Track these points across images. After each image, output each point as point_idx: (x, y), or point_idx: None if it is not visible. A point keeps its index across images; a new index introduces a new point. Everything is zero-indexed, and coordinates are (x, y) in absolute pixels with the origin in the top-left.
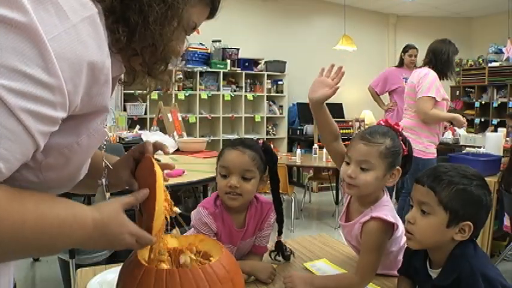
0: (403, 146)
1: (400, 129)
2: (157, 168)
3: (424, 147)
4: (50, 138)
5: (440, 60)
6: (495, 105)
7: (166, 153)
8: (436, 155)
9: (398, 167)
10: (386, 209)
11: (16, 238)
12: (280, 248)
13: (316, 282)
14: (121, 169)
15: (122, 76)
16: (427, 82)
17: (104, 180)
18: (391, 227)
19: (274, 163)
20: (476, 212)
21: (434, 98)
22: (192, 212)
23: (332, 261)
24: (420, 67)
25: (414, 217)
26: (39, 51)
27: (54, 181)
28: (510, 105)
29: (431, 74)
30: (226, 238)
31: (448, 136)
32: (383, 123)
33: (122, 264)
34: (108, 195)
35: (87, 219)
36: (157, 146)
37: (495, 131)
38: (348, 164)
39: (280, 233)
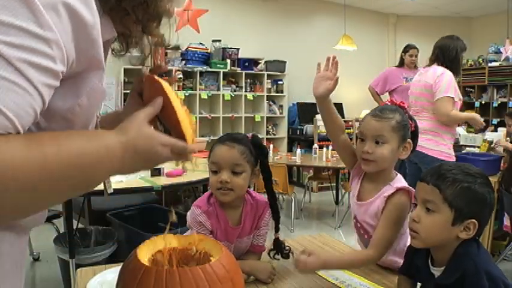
0: (410, 122)
1: (406, 106)
2: (160, 79)
3: (448, 148)
4: (51, 102)
5: (448, 57)
6: (495, 105)
7: (165, 69)
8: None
9: (409, 140)
10: (406, 184)
11: (45, 179)
12: (278, 246)
13: (329, 259)
14: (131, 109)
15: (117, 46)
16: (444, 82)
17: None
18: (410, 203)
19: (264, 156)
20: (480, 210)
21: (453, 98)
22: (187, 213)
23: None
24: (428, 65)
25: (419, 215)
26: (27, 6)
27: None
28: (510, 105)
29: (447, 74)
30: (222, 236)
31: None
32: (389, 103)
33: (121, 264)
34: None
35: (114, 144)
36: (156, 69)
37: (495, 130)
38: (362, 141)
39: (277, 230)
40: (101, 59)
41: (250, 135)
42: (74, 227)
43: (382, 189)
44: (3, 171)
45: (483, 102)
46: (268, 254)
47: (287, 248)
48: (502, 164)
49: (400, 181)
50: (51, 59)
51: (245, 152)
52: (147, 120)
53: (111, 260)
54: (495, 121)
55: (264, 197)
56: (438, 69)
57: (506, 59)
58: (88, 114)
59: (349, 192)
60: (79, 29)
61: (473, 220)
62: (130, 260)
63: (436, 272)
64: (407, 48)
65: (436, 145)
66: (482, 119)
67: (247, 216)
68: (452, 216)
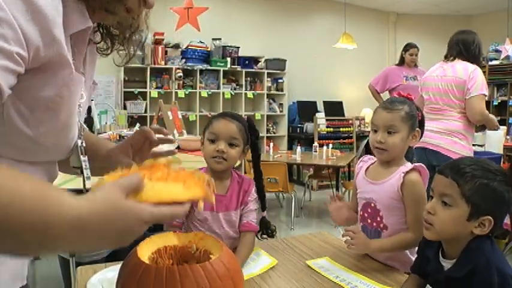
0: (417, 112)
1: (413, 99)
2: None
3: (471, 152)
4: (33, 92)
5: (472, 52)
6: (495, 103)
7: (166, 134)
8: None
9: (417, 129)
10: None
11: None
12: (264, 225)
13: (372, 245)
14: (120, 155)
15: (101, 45)
16: (479, 79)
17: (79, 141)
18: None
19: (256, 137)
20: (497, 208)
21: (486, 95)
22: None
23: (334, 259)
24: (450, 60)
25: (434, 208)
26: None
27: (48, 137)
28: (510, 104)
29: (479, 70)
30: (207, 205)
31: None
32: (397, 96)
33: (122, 262)
34: (83, 157)
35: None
36: (156, 131)
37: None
38: (375, 132)
39: (263, 209)
40: (67, 57)
41: (245, 116)
42: None
43: (397, 170)
44: None
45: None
46: (256, 235)
47: (273, 227)
48: (501, 163)
49: (411, 164)
50: (3, 38)
51: (241, 129)
52: (126, 192)
53: (111, 258)
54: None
55: (249, 177)
56: (469, 65)
57: (507, 57)
58: (70, 103)
59: (356, 174)
60: (34, 12)
61: (489, 217)
62: (130, 258)
63: (446, 264)
64: (407, 47)
65: (461, 148)
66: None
67: (234, 189)
68: (469, 212)
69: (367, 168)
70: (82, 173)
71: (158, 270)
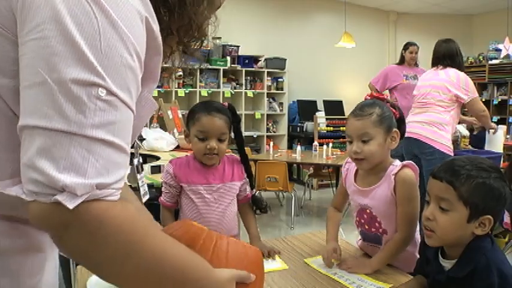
0: (393, 110)
1: (385, 97)
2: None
3: (450, 143)
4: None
5: (457, 62)
6: (495, 102)
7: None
8: None
9: (395, 129)
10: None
11: (153, 267)
12: (256, 201)
13: (374, 264)
14: None
15: None
16: (471, 83)
17: (135, 160)
18: (416, 178)
19: (238, 122)
20: (495, 205)
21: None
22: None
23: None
24: (436, 68)
25: (433, 213)
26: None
27: None
28: (510, 103)
29: (468, 78)
30: (201, 178)
31: None
32: (369, 97)
33: None
34: (139, 175)
35: (210, 272)
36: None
37: None
38: (350, 142)
39: (252, 187)
40: (158, 72)
41: (226, 104)
42: None
43: (385, 174)
44: (135, 244)
45: (483, 99)
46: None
47: (264, 202)
48: (502, 162)
49: (398, 162)
50: (137, 77)
51: (227, 121)
52: (237, 280)
53: None
54: (495, 118)
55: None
56: (461, 73)
57: (507, 56)
58: (137, 124)
59: (344, 176)
60: (149, 37)
61: (489, 216)
62: (187, 227)
63: (446, 264)
64: (407, 46)
65: (440, 137)
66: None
67: (225, 163)
68: (468, 214)
69: (356, 172)
70: (138, 189)
71: (209, 234)
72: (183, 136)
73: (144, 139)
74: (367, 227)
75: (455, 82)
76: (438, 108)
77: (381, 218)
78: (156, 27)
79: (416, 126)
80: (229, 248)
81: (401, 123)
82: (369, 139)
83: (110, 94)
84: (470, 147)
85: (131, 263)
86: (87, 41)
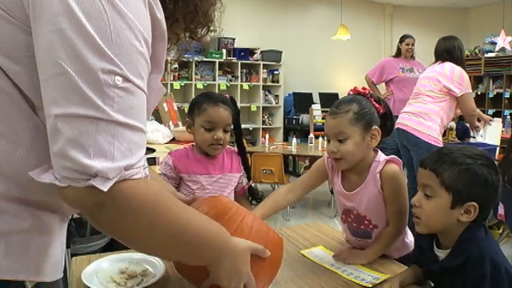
0: (376, 105)
1: (367, 92)
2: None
3: (438, 134)
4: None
5: (456, 57)
6: (491, 95)
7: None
8: None
9: (375, 127)
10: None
11: (179, 234)
12: (252, 192)
13: (368, 255)
14: (182, 197)
15: None
16: (466, 79)
17: None
18: (401, 171)
19: (238, 114)
20: (481, 192)
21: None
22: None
23: (328, 248)
24: (435, 63)
25: (419, 200)
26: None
27: None
28: (506, 96)
29: (465, 72)
30: (201, 168)
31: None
32: (352, 92)
33: (117, 252)
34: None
35: (229, 239)
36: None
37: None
38: (329, 141)
39: (249, 179)
40: (163, 57)
41: (227, 96)
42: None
43: (369, 172)
44: (164, 213)
45: (479, 92)
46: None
47: (260, 193)
48: (497, 154)
49: (382, 155)
50: (147, 61)
51: (231, 112)
52: (252, 252)
53: (106, 249)
54: (491, 111)
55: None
56: (456, 67)
57: (503, 49)
58: (148, 107)
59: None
60: (153, 23)
61: (474, 203)
62: (215, 201)
63: (441, 254)
64: (403, 38)
65: (425, 128)
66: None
67: (224, 155)
68: (451, 200)
69: (342, 174)
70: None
71: (238, 210)
72: (178, 128)
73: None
74: (355, 225)
75: (449, 75)
76: (427, 98)
77: (369, 216)
78: (160, 13)
79: (405, 117)
80: (254, 224)
81: (387, 118)
82: (345, 138)
83: (126, 81)
84: (456, 139)
85: (157, 233)
86: (99, 32)
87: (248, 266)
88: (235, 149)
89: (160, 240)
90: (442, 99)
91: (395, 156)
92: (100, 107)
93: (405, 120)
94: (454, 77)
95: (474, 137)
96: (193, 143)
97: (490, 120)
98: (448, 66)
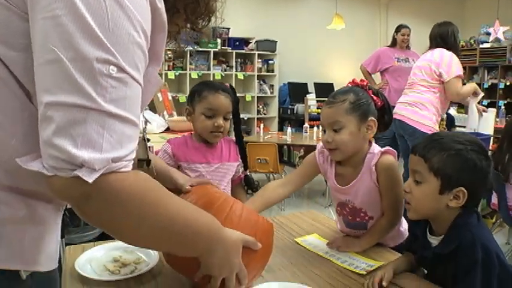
0: (374, 98)
1: (365, 84)
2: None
3: (433, 123)
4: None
5: (449, 42)
6: (486, 86)
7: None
8: None
9: (372, 118)
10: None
11: (168, 225)
12: (248, 181)
13: (362, 243)
14: (179, 176)
15: None
16: (455, 62)
17: (143, 134)
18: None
19: (237, 103)
20: (470, 177)
21: (461, 75)
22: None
23: (323, 236)
24: (428, 50)
25: (409, 186)
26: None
27: None
28: (500, 86)
29: (454, 56)
30: (200, 157)
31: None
32: (350, 84)
33: (110, 241)
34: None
35: (220, 230)
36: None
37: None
38: (324, 132)
39: (245, 168)
40: (162, 49)
41: (227, 84)
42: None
43: (364, 165)
44: (154, 205)
45: (474, 83)
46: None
47: (256, 182)
48: (491, 144)
49: (376, 147)
50: (145, 53)
51: (231, 100)
52: (244, 244)
53: (101, 238)
54: (485, 102)
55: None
56: (445, 51)
57: (497, 40)
58: (144, 98)
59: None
60: (154, 14)
61: (462, 188)
62: (205, 191)
63: (434, 241)
64: (399, 28)
65: (421, 117)
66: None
67: (222, 144)
68: (439, 185)
69: (336, 169)
70: (147, 162)
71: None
72: (173, 118)
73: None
74: (350, 217)
75: (438, 61)
76: (420, 87)
77: (365, 208)
78: (160, 3)
79: (400, 107)
80: (243, 213)
81: (385, 112)
82: (340, 128)
83: (120, 71)
84: (446, 129)
85: (147, 225)
86: (96, 20)
87: (239, 257)
88: (233, 138)
89: (150, 232)
90: (435, 87)
91: (390, 148)
92: (92, 96)
93: (401, 111)
94: (443, 63)
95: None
96: (192, 132)
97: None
98: (438, 52)
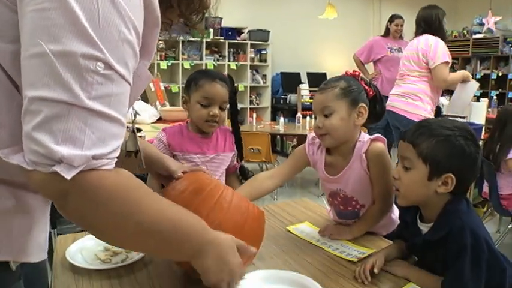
0: (366, 88)
1: (357, 74)
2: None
3: (428, 113)
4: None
5: (433, 27)
6: (478, 76)
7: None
8: None
9: (362, 104)
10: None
11: (152, 224)
12: (243, 171)
13: (354, 231)
14: (171, 163)
15: None
16: (440, 48)
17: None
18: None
19: (234, 93)
20: (458, 163)
21: (448, 61)
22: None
23: (314, 224)
24: (415, 37)
25: (398, 172)
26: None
27: None
28: (493, 77)
29: (440, 41)
30: (195, 147)
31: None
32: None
33: None
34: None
35: (207, 230)
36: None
37: (477, 101)
38: (315, 118)
39: (241, 159)
40: (154, 45)
41: (225, 73)
42: None
43: (354, 154)
44: (136, 204)
45: (467, 71)
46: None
47: (251, 172)
48: (483, 134)
49: (365, 135)
50: (135, 50)
51: (228, 90)
52: (237, 246)
53: None
54: (478, 92)
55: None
56: (431, 37)
57: (490, 31)
58: (133, 94)
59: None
60: (147, 10)
61: (450, 174)
62: (196, 178)
63: (424, 228)
64: (393, 18)
65: (415, 108)
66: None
67: (218, 134)
68: (428, 171)
69: (325, 159)
70: (137, 154)
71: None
72: (165, 108)
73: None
74: (342, 207)
75: (425, 48)
76: (412, 78)
77: (356, 196)
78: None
79: (394, 98)
80: (233, 199)
81: (376, 102)
82: (330, 112)
83: (108, 68)
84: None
85: (130, 224)
86: (87, 15)
87: (237, 255)
88: (230, 127)
89: (133, 231)
90: (426, 76)
91: (379, 135)
92: (75, 92)
93: (394, 102)
94: (429, 50)
95: (465, 117)
96: (187, 121)
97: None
98: (423, 39)
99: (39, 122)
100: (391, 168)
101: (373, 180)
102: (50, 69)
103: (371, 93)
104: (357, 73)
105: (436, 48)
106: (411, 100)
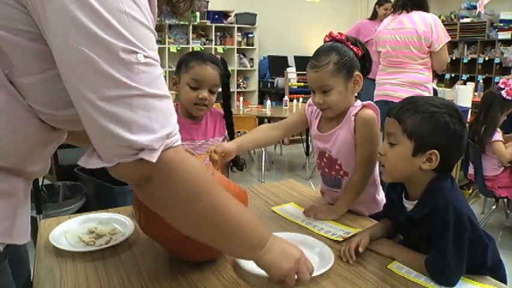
0: (354, 49)
1: (343, 37)
2: None
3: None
4: None
5: (419, 2)
6: (465, 61)
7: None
8: None
9: (357, 73)
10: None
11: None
12: (234, 159)
13: (339, 209)
14: None
15: None
16: (440, 26)
17: None
18: (378, 119)
19: (227, 77)
20: (443, 140)
21: (449, 39)
22: None
23: (300, 204)
24: (397, 12)
25: (384, 149)
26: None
27: None
28: (479, 61)
29: (437, 18)
30: (184, 134)
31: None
32: (328, 39)
33: (86, 213)
34: None
35: (265, 232)
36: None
37: (464, 84)
38: (314, 92)
39: None
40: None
41: (218, 56)
42: (40, 182)
43: (346, 116)
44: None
45: (454, 58)
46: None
47: (242, 160)
48: (469, 116)
49: (360, 102)
50: (155, 35)
51: (220, 74)
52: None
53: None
54: (465, 77)
55: (217, 109)
56: (426, 15)
57: (478, 15)
58: None
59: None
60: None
61: (435, 151)
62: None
63: (409, 205)
64: (381, 1)
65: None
66: None
67: (208, 119)
68: (412, 148)
69: (320, 118)
70: None
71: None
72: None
73: None
74: (327, 170)
75: (426, 30)
76: (417, 66)
77: (341, 160)
78: None
79: (395, 89)
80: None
81: (365, 59)
82: (329, 89)
83: (147, 57)
84: None
85: (200, 205)
86: (114, 15)
87: (296, 249)
88: (221, 111)
89: (202, 213)
90: (428, 62)
91: (372, 103)
92: (130, 84)
93: (397, 92)
94: (430, 30)
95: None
96: (176, 104)
97: None
98: (419, 19)
99: (110, 120)
100: (378, 138)
101: (357, 145)
102: (100, 71)
103: (360, 53)
104: (343, 36)
105: (437, 28)
106: (419, 91)
